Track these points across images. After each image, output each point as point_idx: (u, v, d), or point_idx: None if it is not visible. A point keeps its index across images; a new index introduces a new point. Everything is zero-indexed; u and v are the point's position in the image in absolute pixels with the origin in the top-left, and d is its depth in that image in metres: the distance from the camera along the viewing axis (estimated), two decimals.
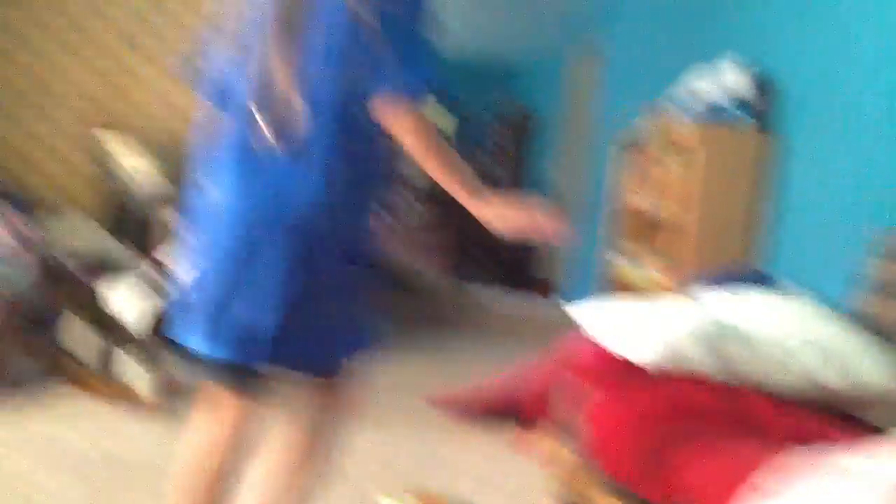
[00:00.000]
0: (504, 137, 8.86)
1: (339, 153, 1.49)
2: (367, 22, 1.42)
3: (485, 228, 1.58)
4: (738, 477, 1.35)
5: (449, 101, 9.51)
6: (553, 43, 7.91)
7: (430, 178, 1.54)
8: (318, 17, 1.47)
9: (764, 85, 3.39)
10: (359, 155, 1.53)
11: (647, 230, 3.70)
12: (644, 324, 1.89)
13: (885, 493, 1.11)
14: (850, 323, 1.96)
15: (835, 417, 1.76)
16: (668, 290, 3.09)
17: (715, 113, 3.31)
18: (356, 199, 1.55)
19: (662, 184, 3.47)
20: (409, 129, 1.48)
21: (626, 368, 1.83)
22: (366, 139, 1.53)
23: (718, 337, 1.79)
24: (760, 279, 2.81)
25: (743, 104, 3.31)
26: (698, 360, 1.77)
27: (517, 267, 7.50)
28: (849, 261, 2.39)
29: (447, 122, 9.03)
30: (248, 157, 1.50)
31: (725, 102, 3.32)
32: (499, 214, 1.54)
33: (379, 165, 1.60)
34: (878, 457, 1.22)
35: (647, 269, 3.52)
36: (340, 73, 1.46)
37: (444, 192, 1.55)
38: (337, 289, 1.56)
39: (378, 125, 1.49)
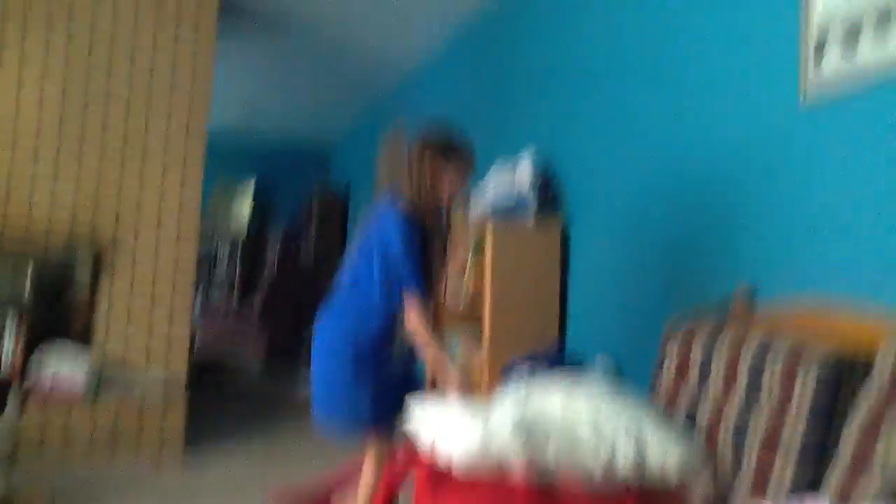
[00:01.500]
0: (325, 216, 9.02)
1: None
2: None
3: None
4: None
5: (269, 184, 9.55)
6: (366, 128, 8.23)
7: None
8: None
9: (551, 179, 3.73)
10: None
11: (465, 320, 3.87)
12: (464, 423, 2.01)
13: None
14: (647, 406, 2.17)
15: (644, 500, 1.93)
16: (493, 378, 3.24)
17: (505, 206, 3.58)
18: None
19: (470, 275, 3.68)
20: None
21: (445, 469, 1.93)
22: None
23: (527, 429, 1.93)
24: (570, 362, 3.03)
25: (530, 197, 3.60)
26: (510, 454, 1.89)
27: None
28: (650, 344, 2.60)
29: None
30: None
31: (515, 196, 3.60)
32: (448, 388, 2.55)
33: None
34: None
35: (472, 358, 3.63)
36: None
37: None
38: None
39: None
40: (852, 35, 2.08)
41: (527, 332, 3.40)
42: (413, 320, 2.56)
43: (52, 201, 4.32)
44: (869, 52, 2.03)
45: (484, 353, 3.41)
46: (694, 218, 2.78)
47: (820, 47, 2.18)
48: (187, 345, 4.49)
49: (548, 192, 3.66)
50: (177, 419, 4.03)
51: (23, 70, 4.34)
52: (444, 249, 2.86)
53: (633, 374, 2.86)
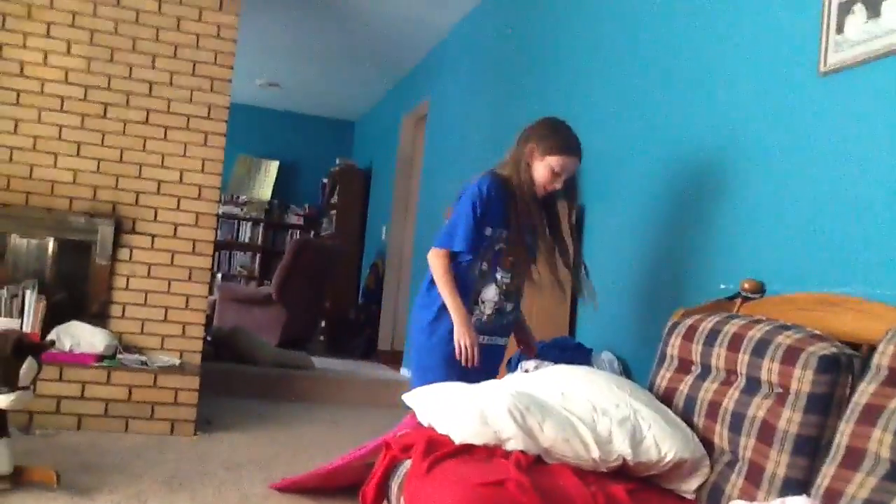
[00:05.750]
0: (347, 192, 9.09)
1: None
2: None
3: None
4: None
5: (292, 160, 9.59)
6: (389, 105, 8.27)
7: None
8: None
9: None
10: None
11: None
12: (462, 402, 2.04)
13: None
14: (647, 395, 2.18)
15: (638, 485, 1.95)
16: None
17: None
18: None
19: None
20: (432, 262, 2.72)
21: (443, 446, 1.96)
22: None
23: (526, 412, 1.95)
24: (577, 354, 3.04)
25: None
26: (508, 434, 1.92)
27: (367, 340, 7.64)
28: (654, 333, 2.59)
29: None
30: None
31: None
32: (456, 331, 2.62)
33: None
34: None
35: None
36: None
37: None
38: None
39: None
40: None
41: (536, 318, 3.40)
42: (430, 259, 2.71)
43: (74, 178, 4.38)
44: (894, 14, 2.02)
45: None
46: (706, 208, 2.77)
47: (843, 10, 2.17)
48: (202, 330, 4.54)
49: None
50: (190, 394, 4.08)
51: (48, 44, 4.38)
52: (552, 240, 2.86)
53: (639, 368, 2.87)
